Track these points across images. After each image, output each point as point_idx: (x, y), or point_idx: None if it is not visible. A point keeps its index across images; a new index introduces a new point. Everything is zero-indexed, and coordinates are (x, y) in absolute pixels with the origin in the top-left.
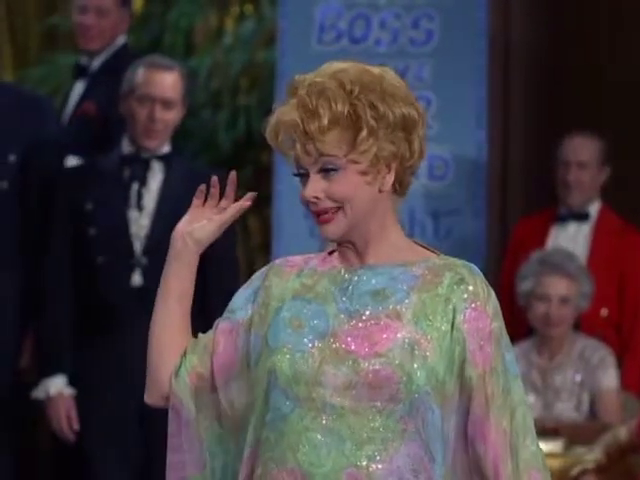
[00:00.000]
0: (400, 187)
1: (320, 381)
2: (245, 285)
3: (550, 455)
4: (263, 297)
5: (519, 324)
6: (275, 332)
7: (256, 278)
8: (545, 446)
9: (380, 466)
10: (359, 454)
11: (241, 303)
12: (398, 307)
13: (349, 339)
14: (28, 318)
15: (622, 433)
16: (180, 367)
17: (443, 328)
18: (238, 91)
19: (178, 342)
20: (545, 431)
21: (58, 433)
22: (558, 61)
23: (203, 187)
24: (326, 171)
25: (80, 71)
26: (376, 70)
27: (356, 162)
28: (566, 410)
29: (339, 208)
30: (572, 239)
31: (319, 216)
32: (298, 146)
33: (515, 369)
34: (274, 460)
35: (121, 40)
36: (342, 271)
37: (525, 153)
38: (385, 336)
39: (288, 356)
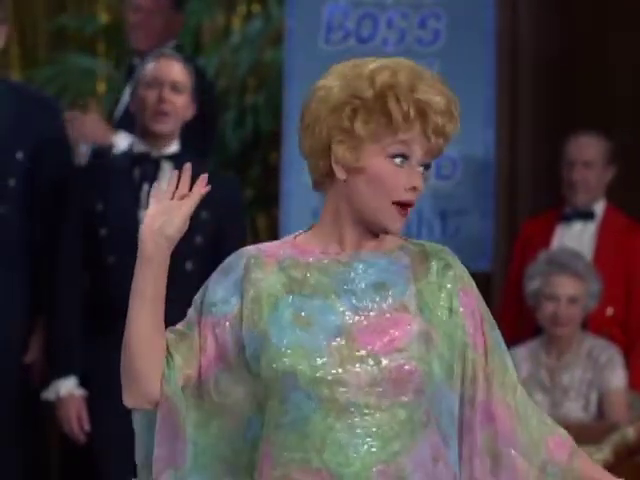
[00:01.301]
0: None
1: (342, 380)
2: (217, 276)
3: None
4: (250, 292)
5: (526, 323)
6: (280, 330)
7: (230, 269)
8: None
9: (407, 459)
10: (387, 450)
11: (222, 296)
12: (401, 299)
13: (364, 336)
14: (34, 317)
15: (630, 433)
16: (169, 371)
17: (443, 314)
18: (245, 90)
19: (158, 345)
20: None
21: (69, 434)
22: (566, 60)
23: (157, 183)
24: (426, 167)
25: (132, 71)
26: None
27: (430, 165)
28: (574, 409)
29: None
30: (577, 238)
31: (405, 209)
32: (430, 132)
33: (503, 345)
34: (296, 461)
35: (172, 43)
36: (332, 262)
37: (533, 153)
38: (399, 330)
39: (305, 357)
